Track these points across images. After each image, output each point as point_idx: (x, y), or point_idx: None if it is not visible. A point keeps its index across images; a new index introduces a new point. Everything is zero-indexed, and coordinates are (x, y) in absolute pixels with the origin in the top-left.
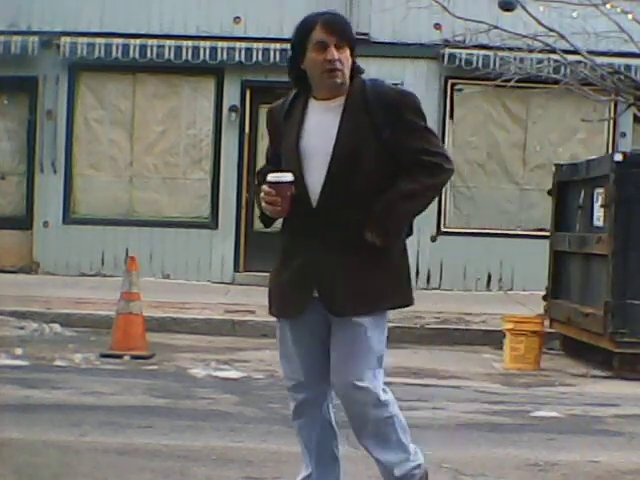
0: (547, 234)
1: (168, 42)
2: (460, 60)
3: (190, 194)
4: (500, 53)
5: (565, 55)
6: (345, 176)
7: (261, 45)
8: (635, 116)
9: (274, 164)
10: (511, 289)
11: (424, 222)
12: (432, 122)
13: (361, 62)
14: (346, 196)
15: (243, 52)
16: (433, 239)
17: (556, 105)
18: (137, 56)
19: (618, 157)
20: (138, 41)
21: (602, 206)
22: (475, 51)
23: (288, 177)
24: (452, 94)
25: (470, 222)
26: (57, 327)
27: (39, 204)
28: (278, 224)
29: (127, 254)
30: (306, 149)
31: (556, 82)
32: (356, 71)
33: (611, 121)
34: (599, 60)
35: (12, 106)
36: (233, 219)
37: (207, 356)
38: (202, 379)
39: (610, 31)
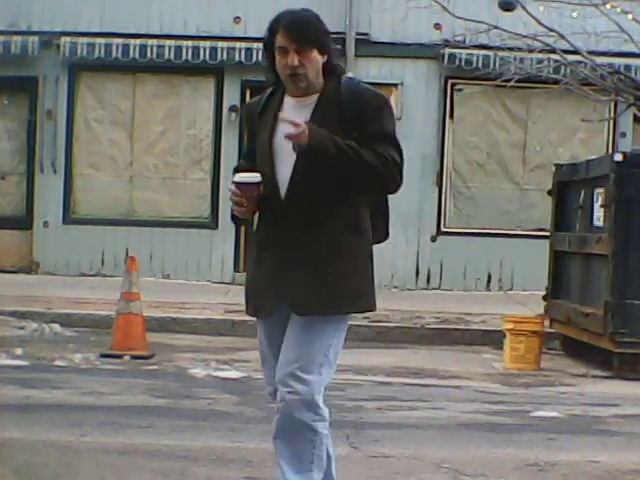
0: (547, 234)
1: (168, 42)
2: (460, 60)
3: (190, 194)
4: (500, 53)
5: (565, 55)
6: (311, 173)
7: (261, 45)
8: (635, 116)
9: (251, 161)
10: (511, 289)
11: (424, 222)
12: (432, 122)
13: (361, 62)
14: (312, 193)
15: (243, 52)
16: (433, 239)
17: (556, 105)
18: (137, 56)
19: (618, 157)
20: (138, 41)
21: (602, 206)
22: (475, 51)
23: (255, 178)
24: (452, 94)
25: (470, 222)
26: (57, 327)
27: (39, 204)
28: None
29: (127, 254)
30: (277, 145)
31: (556, 82)
32: (333, 68)
33: (611, 121)
34: (599, 60)
35: (12, 106)
36: None
37: (207, 356)
38: (202, 379)
39: (610, 31)
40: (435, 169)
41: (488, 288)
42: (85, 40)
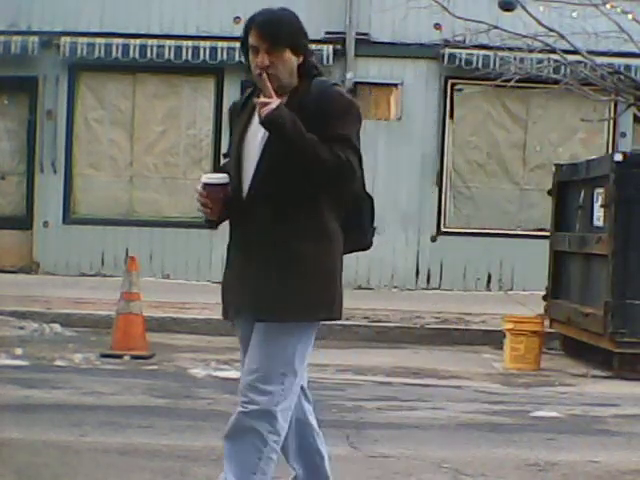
0: (547, 234)
1: (168, 42)
2: (460, 60)
3: (190, 194)
4: (500, 53)
5: (565, 55)
6: (272, 174)
7: None
8: (635, 116)
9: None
10: (511, 289)
11: (424, 222)
12: (432, 122)
13: (361, 62)
14: (273, 194)
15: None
16: (433, 239)
17: (556, 105)
18: (137, 56)
19: (618, 157)
20: (138, 41)
21: (602, 206)
22: (475, 51)
23: (221, 179)
24: (452, 94)
25: (470, 222)
26: (57, 327)
27: (39, 204)
28: None
29: (127, 254)
30: (246, 145)
31: (556, 82)
32: (308, 70)
33: (611, 121)
34: (599, 60)
35: (12, 106)
36: None
37: (207, 356)
38: (202, 379)
39: (610, 31)
40: (435, 169)
41: (488, 288)
42: (85, 40)
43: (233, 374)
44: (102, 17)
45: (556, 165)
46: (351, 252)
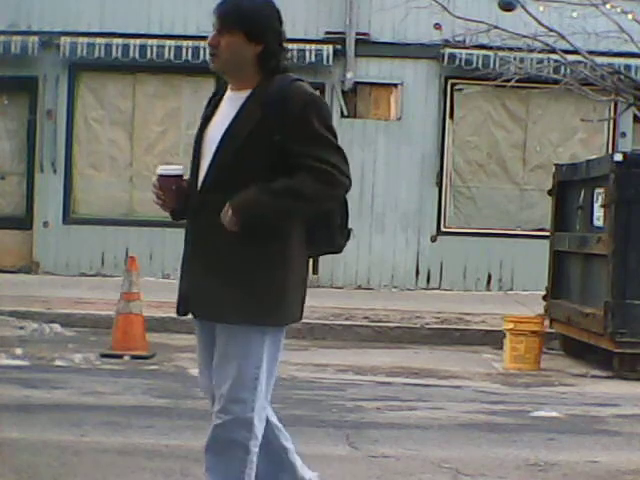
0: (547, 234)
1: (168, 42)
2: (460, 60)
3: None
4: (500, 53)
5: (565, 55)
6: (226, 170)
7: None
8: (635, 116)
9: None
10: (511, 289)
11: (424, 222)
12: (432, 122)
13: (361, 62)
14: (226, 192)
15: None
16: (433, 239)
17: (556, 105)
18: (137, 56)
19: (618, 157)
20: (138, 41)
21: (602, 206)
22: (475, 51)
23: (174, 170)
24: (452, 94)
25: (470, 222)
26: (57, 327)
27: (39, 204)
28: None
29: (127, 254)
30: (206, 138)
31: (556, 82)
32: (266, 63)
33: (611, 121)
34: (599, 60)
35: (12, 106)
36: None
37: None
38: None
39: (610, 31)
40: (435, 169)
41: (488, 288)
42: (85, 40)
43: None
44: (102, 17)
45: (556, 165)
46: (320, 254)
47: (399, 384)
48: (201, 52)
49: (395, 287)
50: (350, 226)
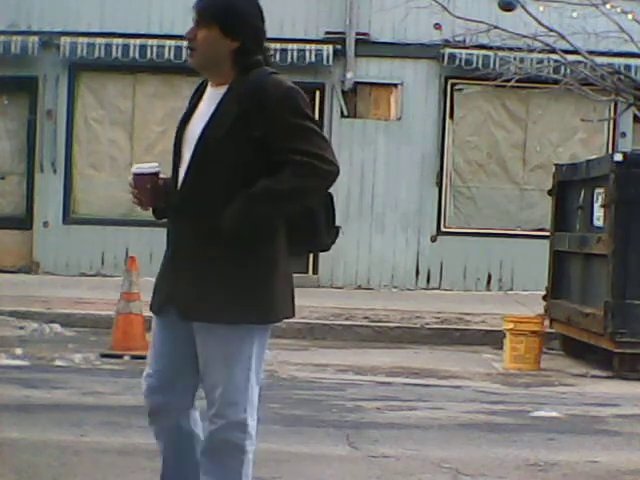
0: (547, 234)
1: (168, 42)
2: (460, 60)
3: None
4: (500, 53)
5: (565, 55)
6: (205, 170)
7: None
8: (635, 116)
9: None
10: (511, 289)
11: (424, 222)
12: (432, 122)
13: (361, 62)
14: (206, 190)
15: None
16: (433, 239)
17: (556, 105)
18: (137, 56)
19: (618, 157)
20: (138, 41)
21: (602, 206)
22: (475, 51)
23: (147, 168)
24: (452, 94)
25: (470, 222)
26: (57, 327)
27: (39, 204)
28: None
29: (127, 254)
30: (185, 135)
31: (556, 82)
32: (243, 59)
33: (611, 121)
34: (599, 60)
35: (12, 106)
36: None
37: None
38: None
39: (610, 31)
40: (435, 169)
41: (488, 288)
42: (85, 40)
43: None
44: (102, 17)
45: (556, 165)
46: (304, 253)
47: (399, 384)
48: None
49: (395, 287)
50: (338, 224)
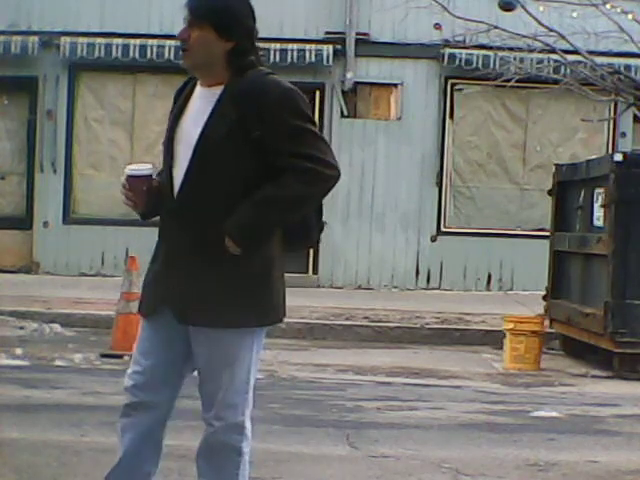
0: (547, 234)
1: (168, 42)
2: (460, 60)
3: None
4: (500, 53)
5: (565, 55)
6: (205, 172)
7: (260, 45)
8: (635, 116)
9: None
10: (511, 289)
11: (424, 222)
12: (432, 122)
13: (361, 62)
14: (206, 192)
15: None
16: (433, 239)
17: (556, 105)
18: (137, 56)
19: (618, 157)
20: (138, 41)
21: (602, 206)
22: (475, 51)
23: (144, 170)
24: (452, 94)
25: (470, 222)
26: (57, 327)
27: (39, 204)
28: None
29: (127, 254)
30: (178, 137)
31: (556, 82)
32: (237, 59)
33: (611, 121)
34: (599, 60)
35: (12, 106)
36: None
37: None
38: None
39: (610, 31)
40: (435, 169)
41: (488, 288)
42: (85, 40)
43: None
44: (102, 17)
45: (556, 165)
46: (295, 250)
47: (399, 384)
48: None
49: (395, 287)
50: (324, 219)
